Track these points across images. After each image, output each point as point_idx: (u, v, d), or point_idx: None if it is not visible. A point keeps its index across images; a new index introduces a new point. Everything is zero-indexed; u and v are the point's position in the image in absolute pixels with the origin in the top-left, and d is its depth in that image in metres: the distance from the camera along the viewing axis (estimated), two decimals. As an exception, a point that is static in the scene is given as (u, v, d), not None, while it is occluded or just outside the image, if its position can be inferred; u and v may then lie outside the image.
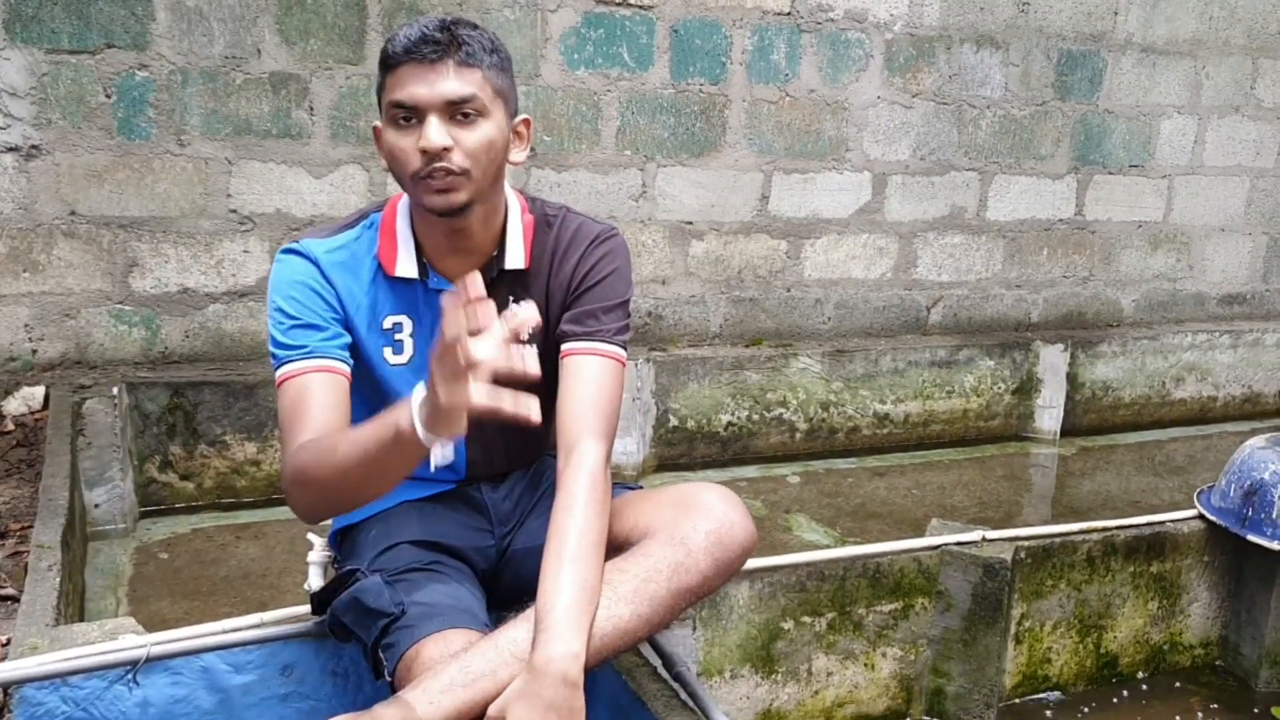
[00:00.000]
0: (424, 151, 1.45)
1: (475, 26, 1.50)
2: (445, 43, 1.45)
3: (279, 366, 1.54)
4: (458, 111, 1.46)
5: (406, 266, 1.60)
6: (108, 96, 3.15)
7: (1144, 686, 2.89)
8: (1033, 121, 4.38)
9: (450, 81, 1.45)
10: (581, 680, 1.37)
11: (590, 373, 1.60)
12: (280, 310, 1.55)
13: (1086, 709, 2.77)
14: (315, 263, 1.58)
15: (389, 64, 1.47)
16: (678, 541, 1.51)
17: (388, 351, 1.63)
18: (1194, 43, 4.57)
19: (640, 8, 3.67)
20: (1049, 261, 4.59)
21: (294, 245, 1.60)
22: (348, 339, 1.59)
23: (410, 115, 1.46)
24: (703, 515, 1.53)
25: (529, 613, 1.46)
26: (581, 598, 1.42)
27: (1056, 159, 4.46)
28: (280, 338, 1.54)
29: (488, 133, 1.49)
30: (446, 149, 1.45)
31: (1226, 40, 4.63)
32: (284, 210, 3.39)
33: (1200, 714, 2.78)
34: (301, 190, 3.39)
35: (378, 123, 1.55)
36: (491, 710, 1.37)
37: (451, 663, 1.41)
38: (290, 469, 1.47)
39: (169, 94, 3.20)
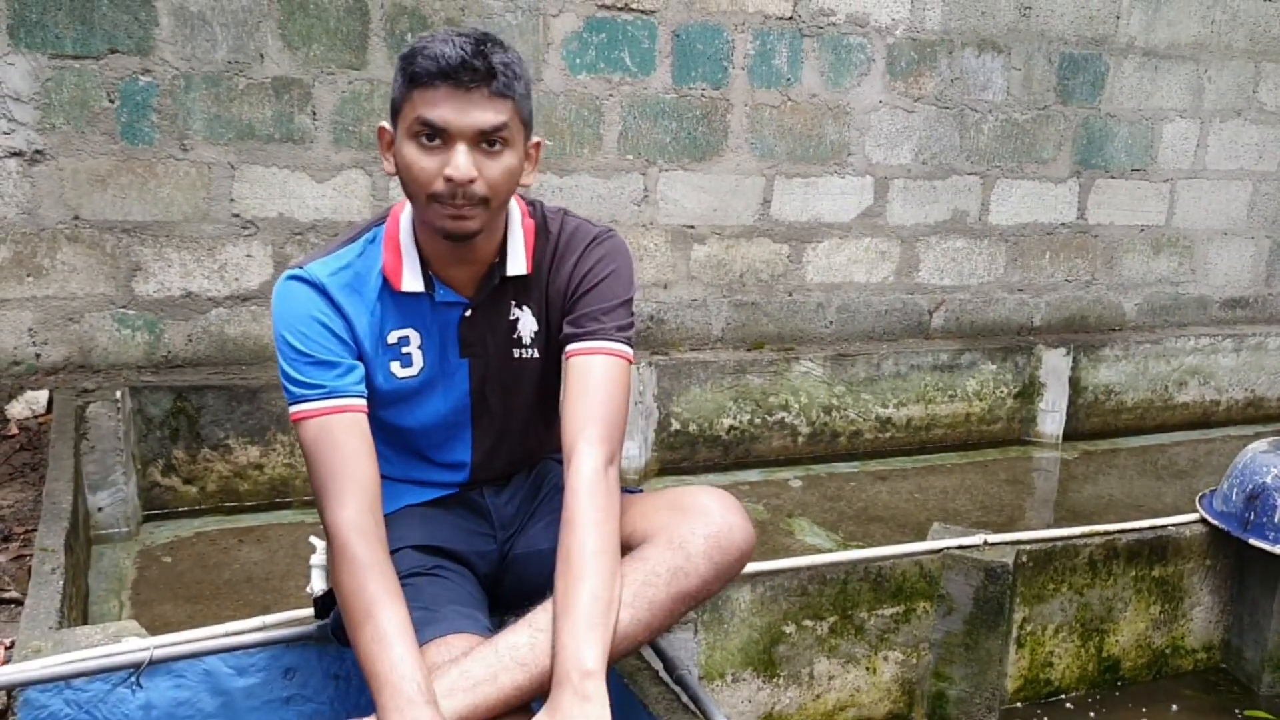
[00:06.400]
0: (449, 179, 1.43)
1: (505, 48, 1.47)
2: (482, 70, 1.41)
3: (295, 403, 1.52)
4: (485, 140, 1.44)
5: (412, 281, 1.58)
6: (111, 101, 3.16)
7: (1146, 691, 2.89)
8: (1035, 125, 4.38)
9: (484, 111, 1.43)
10: (599, 692, 1.35)
11: (594, 373, 1.57)
12: (290, 345, 1.52)
13: (1089, 713, 2.77)
14: (321, 289, 1.55)
15: (419, 80, 1.42)
16: (676, 545, 1.50)
17: (395, 365, 1.62)
18: (1196, 46, 4.57)
19: (642, 12, 3.67)
20: (1051, 265, 4.59)
21: (297, 271, 1.56)
22: (361, 370, 1.57)
23: (435, 136, 1.43)
24: (700, 519, 1.52)
25: (529, 618, 1.46)
26: (594, 609, 1.40)
27: (1058, 163, 4.46)
28: (294, 374, 1.52)
29: (510, 162, 1.48)
30: (472, 180, 1.44)
31: (1228, 44, 4.63)
32: (287, 214, 3.40)
33: (1203, 718, 2.77)
34: (304, 195, 3.40)
35: (385, 124, 1.53)
36: None
37: (451, 667, 1.41)
38: (338, 543, 1.47)
39: (172, 99, 3.21)
